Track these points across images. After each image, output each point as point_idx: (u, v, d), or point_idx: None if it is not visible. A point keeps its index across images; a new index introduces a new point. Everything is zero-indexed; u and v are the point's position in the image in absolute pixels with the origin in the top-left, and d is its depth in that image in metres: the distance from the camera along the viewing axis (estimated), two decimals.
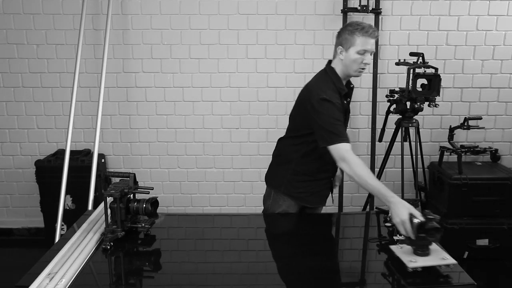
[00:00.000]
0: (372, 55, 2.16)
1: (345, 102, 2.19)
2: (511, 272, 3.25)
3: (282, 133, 3.65)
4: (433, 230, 1.67)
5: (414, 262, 1.66)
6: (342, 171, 2.39)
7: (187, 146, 3.67)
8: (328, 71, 2.22)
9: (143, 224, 2.02)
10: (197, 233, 2.21)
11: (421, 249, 1.71)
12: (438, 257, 1.69)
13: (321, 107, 2.05)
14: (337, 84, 2.16)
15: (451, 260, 1.67)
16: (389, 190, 1.88)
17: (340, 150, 2.01)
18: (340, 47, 2.14)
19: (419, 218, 1.71)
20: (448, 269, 1.67)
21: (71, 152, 3.24)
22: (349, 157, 1.98)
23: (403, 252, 1.74)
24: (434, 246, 1.74)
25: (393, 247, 1.79)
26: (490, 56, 3.52)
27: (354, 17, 3.45)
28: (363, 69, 2.14)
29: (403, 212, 1.75)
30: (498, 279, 3.20)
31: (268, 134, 3.63)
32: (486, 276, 3.20)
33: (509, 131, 3.66)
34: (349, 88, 2.26)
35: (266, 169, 2.48)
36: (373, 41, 2.09)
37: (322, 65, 3.49)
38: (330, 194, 2.44)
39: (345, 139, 2.03)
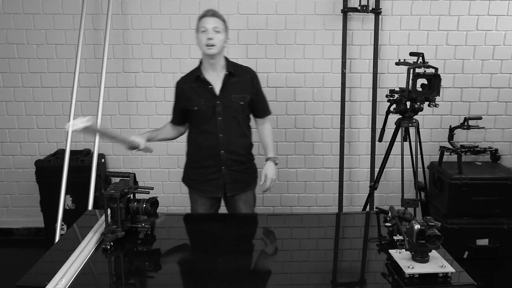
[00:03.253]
0: (218, 32, 2.34)
1: (209, 87, 2.40)
2: (511, 272, 3.25)
3: (282, 132, 3.68)
4: (434, 237, 1.66)
5: (411, 268, 1.65)
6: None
7: None
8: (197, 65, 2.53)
9: (143, 224, 2.02)
10: (197, 233, 2.21)
11: (420, 256, 1.69)
12: (437, 264, 1.68)
13: None
14: (194, 71, 2.49)
15: (450, 269, 1.65)
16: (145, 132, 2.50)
17: None
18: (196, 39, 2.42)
19: None
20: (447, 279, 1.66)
21: (71, 152, 3.25)
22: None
23: (401, 257, 1.73)
24: (433, 253, 1.73)
25: (391, 252, 1.78)
26: (490, 56, 3.52)
27: (354, 17, 3.46)
28: (209, 45, 2.33)
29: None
30: (498, 279, 3.20)
31: None
32: (486, 276, 3.20)
33: (509, 131, 3.66)
34: (225, 76, 2.42)
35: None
36: (209, 18, 2.34)
37: (322, 65, 3.55)
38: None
39: (171, 119, 2.61)
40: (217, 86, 2.41)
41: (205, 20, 2.34)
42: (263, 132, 2.60)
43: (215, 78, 2.42)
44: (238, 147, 2.47)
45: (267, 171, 2.45)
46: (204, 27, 2.33)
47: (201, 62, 2.47)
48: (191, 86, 2.44)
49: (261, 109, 2.56)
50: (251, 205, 2.60)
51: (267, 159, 2.52)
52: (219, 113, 2.40)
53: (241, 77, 2.45)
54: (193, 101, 2.42)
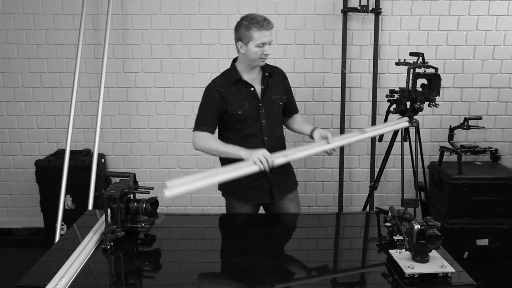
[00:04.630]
0: (271, 43, 2.27)
1: (251, 89, 2.32)
2: (511, 272, 3.25)
3: None
4: (434, 237, 1.66)
5: (411, 268, 1.65)
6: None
7: (187, 146, 3.67)
8: (229, 67, 2.39)
9: (143, 224, 2.02)
10: (197, 233, 2.21)
11: (420, 256, 1.69)
12: (437, 264, 1.68)
13: (202, 97, 2.35)
14: (230, 73, 2.35)
15: (450, 269, 1.65)
16: (236, 148, 2.18)
17: (194, 137, 2.32)
18: (239, 42, 2.26)
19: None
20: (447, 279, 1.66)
21: (71, 152, 3.25)
22: (199, 136, 2.29)
23: (401, 257, 1.73)
24: (433, 253, 1.73)
25: (391, 252, 1.78)
26: (490, 56, 3.52)
27: (354, 17, 3.46)
28: (264, 58, 2.27)
29: (257, 153, 2.06)
30: (498, 279, 3.20)
31: None
32: (486, 276, 3.19)
33: (509, 131, 3.66)
34: (264, 76, 2.37)
35: None
36: (269, 32, 2.22)
37: (322, 65, 3.56)
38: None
39: (202, 128, 2.30)
40: (257, 88, 2.35)
41: (263, 34, 2.21)
42: (296, 120, 2.57)
43: (254, 80, 2.35)
44: (280, 149, 2.38)
45: (322, 132, 2.36)
46: (263, 42, 2.21)
47: (235, 64, 2.37)
48: (230, 89, 2.31)
49: (292, 108, 2.55)
50: (298, 203, 2.53)
51: (312, 130, 2.41)
52: (263, 115, 2.33)
53: (276, 78, 2.43)
54: (235, 105, 2.29)
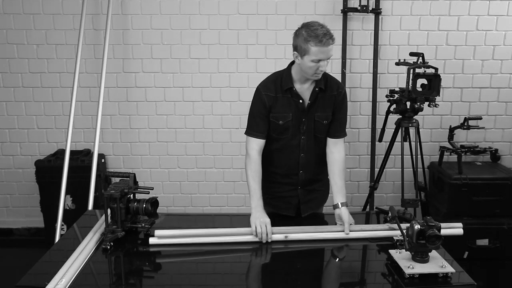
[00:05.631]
0: (330, 58, 2.07)
1: (300, 101, 2.15)
2: (511, 272, 3.25)
3: None
4: (434, 237, 1.66)
5: (411, 268, 1.65)
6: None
7: (187, 146, 3.67)
8: (285, 69, 2.21)
9: (143, 224, 2.02)
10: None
11: (420, 256, 1.70)
12: (437, 264, 1.68)
13: (253, 97, 2.22)
14: (284, 79, 2.16)
15: (449, 269, 1.66)
16: (257, 198, 2.13)
17: (247, 143, 2.23)
18: (295, 52, 2.07)
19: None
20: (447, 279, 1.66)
21: (71, 152, 3.25)
22: (250, 153, 2.20)
23: (401, 257, 1.73)
24: (433, 253, 1.73)
25: (391, 252, 1.78)
26: (490, 56, 3.52)
27: (354, 17, 3.46)
28: (319, 74, 2.08)
29: (260, 220, 2.01)
30: (498, 279, 3.20)
31: None
32: (486, 276, 3.20)
33: (509, 131, 3.66)
34: (314, 91, 2.16)
35: None
36: (328, 48, 2.00)
37: None
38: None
39: (254, 134, 2.19)
40: (305, 102, 2.16)
41: (321, 50, 1.98)
42: (333, 165, 2.25)
43: (304, 92, 2.16)
44: (316, 167, 2.28)
45: (343, 217, 2.09)
46: (319, 58, 2.00)
47: (290, 69, 2.17)
48: (279, 95, 2.16)
49: (337, 129, 2.25)
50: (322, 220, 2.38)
51: (336, 205, 2.17)
52: (303, 131, 2.18)
53: (329, 93, 2.18)
54: (279, 114, 2.15)
